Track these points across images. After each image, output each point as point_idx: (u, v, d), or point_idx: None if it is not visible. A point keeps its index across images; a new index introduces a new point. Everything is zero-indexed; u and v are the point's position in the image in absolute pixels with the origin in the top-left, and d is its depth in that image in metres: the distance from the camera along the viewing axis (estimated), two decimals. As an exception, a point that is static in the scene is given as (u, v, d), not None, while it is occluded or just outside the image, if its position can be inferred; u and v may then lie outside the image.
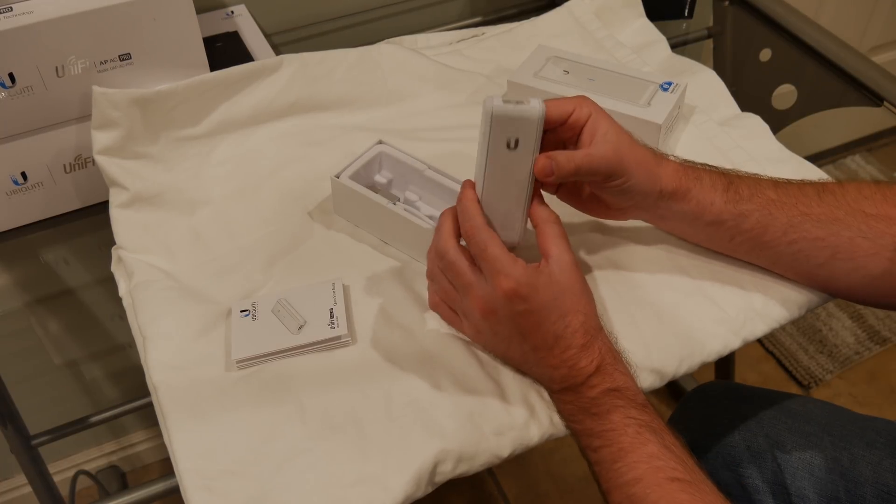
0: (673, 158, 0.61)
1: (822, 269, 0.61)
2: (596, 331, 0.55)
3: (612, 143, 0.57)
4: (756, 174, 0.62)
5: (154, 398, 0.59)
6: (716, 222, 0.61)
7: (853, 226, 0.58)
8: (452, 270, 0.56)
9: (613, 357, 0.55)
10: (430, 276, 0.60)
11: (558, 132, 0.58)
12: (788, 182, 0.61)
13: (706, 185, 0.60)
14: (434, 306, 0.62)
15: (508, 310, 0.54)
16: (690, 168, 0.61)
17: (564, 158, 0.56)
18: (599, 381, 0.54)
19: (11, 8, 0.66)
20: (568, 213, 0.57)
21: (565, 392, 0.55)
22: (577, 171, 0.56)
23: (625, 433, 0.52)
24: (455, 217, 0.57)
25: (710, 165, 0.62)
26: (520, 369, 0.59)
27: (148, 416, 1.22)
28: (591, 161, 0.57)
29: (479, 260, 0.54)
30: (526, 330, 0.54)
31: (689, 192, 0.60)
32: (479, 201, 0.56)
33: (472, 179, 0.57)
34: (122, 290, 0.67)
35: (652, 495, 0.50)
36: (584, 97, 0.59)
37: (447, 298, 0.60)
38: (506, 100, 0.53)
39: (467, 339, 0.61)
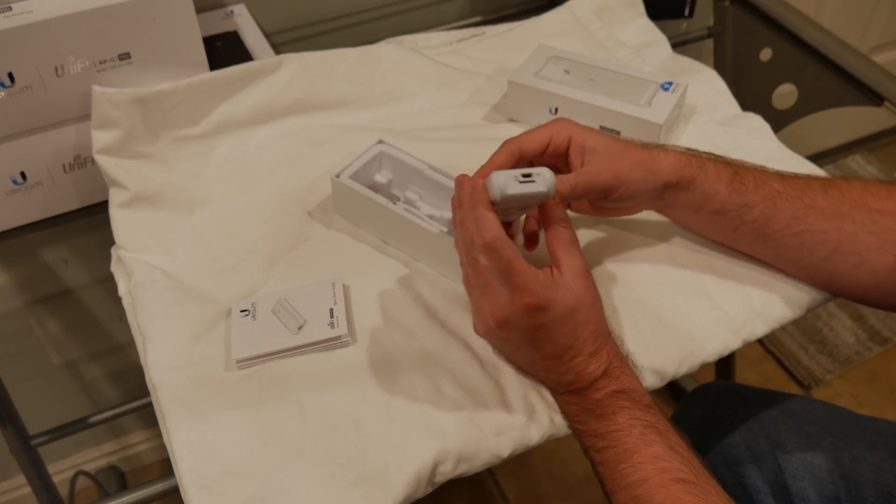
0: (673, 148, 0.61)
1: (825, 262, 0.60)
2: (605, 337, 0.55)
3: (601, 159, 0.58)
4: (762, 166, 0.62)
5: (154, 398, 0.58)
6: (720, 212, 0.61)
7: (858, 220, 0.58)
8: (474, 267, 0.55)
9: (620, 360, 0.55)
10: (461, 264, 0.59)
11: (545, 160, 0.59)
12: (795, 175, 0.61)
13: (710, 175, 0.60)
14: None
15: (524, 322, 0.53)
16: (694, 157, 0.60)
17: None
18: (605, 383, 0.54)
19: (11, 7, 0.66)
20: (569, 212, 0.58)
21: (570, 394, 0.55)
22: (572, 194, 0.57)
23: (630, 434, 0.52)
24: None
25: (714, 154, 0.62)
26: (524, 372, 0.59)
27: (148, 416, 1.22)
28: (584, 181, 0.57)
29: (502, 274, 0.52)
30: (538, 340, 0.54)
31: (694, 182, 0.60)
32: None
33: (465, 174, 0.57)
34: (122, 289, 0.67)
35: (657, 496, 0.49)
36: (559, 120, 0.59)
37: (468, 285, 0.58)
38: (514, 176, 0.53)
39: (467, 339, 0.61)
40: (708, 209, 0.61)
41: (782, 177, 0.61)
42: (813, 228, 0.59)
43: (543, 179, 0.53)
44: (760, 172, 0.61)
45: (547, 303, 0.52)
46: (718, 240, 0.65)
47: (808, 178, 0.61)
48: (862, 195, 0.59)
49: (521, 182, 0.53)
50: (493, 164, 0.58)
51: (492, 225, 0.52)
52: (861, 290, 0.61)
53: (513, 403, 0.57)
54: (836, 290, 0.63)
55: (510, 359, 0.59)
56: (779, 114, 0.93)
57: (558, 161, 0.61)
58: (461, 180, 0.56)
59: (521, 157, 0.59)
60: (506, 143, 0.59)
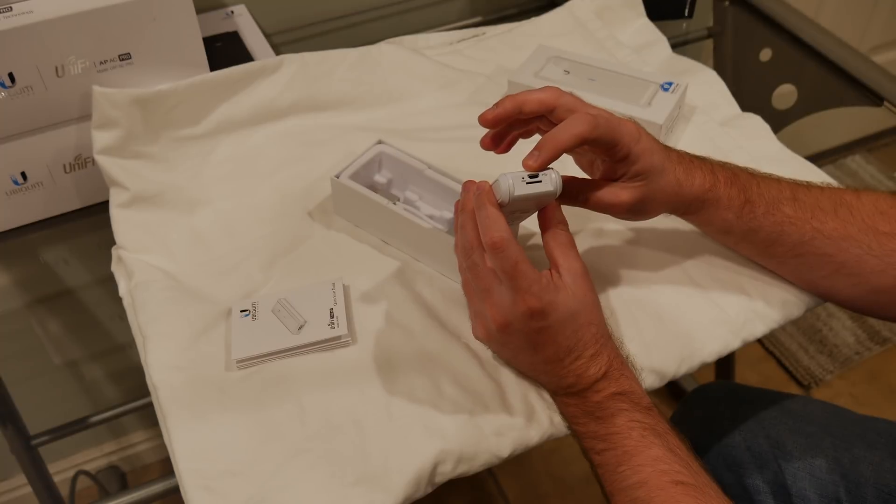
0: (699, 175, 0.58)
1: (825, 280, 0.61)
2: (605, 339, 0.55)
3: (641, 185, 0.57)
4: (779, 180, 0.61)
5: (154, 398, 0.58)
6: (724, 231, 0.62)
7: (864, 243, 0.58)
8: (475, 271, 0.55)
9: (620, 362, 0.55)
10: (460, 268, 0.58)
11: (597, 146, 0.56)
12: (808, 189, 0.60)
13: (722, 206, 0.59)
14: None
15: (525, 325, 0.53)
16: (711, 188, 0.59)
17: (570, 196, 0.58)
18: (605, 385, 0.53)
19: (11, 8, 0.66)
20: (569, 212, 0.57)
21: (569, 396, 0.55)
22: (582, 207, 0.58)
23: (629, 436, 0.52)
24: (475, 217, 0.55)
25: (729, 171, 0.60)
26: (524, 375, 0.59)
27: (148, 416, 1.22)
28: (603, 202, 0.58)
29: (507, 275, 0.52)
30: (539, 344, 0.54)
31: (703, 211, 0.60)
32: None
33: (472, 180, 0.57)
34: (122, 289, 0.67)
35: (656, 499, 0.49)
36: (635, 126, 0.56)
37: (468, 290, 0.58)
38: (521, 177, 0.53)
39: (467, 339, 0.61)
40: (712, 228, 0.62)
41: (795, 198, 0.59)
42: (817, 251, 0.59)
43: (550, 179, 0.53)
44: (774, 198, 0.59)
45: (549, 306, 0.52)
46: (720, 244, 0.65)
47: (820, 196, 0.60)
48: (871, 215, 0.58)
49: (529, 183, 0.53)
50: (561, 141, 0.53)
51: (500, 225, 0.52)
52: (859, 304, 0.61)
53: (513, 403, 0.57)
54: (834, 302, 0.64)
55: (510, 362, 0.59)
56: (779, 114, 0.93)
57: (605, 153, 0.57)
58: (467, 185, 0.56)
59: (588, 135, 0.54)
60: (581, 116, 0.54)
